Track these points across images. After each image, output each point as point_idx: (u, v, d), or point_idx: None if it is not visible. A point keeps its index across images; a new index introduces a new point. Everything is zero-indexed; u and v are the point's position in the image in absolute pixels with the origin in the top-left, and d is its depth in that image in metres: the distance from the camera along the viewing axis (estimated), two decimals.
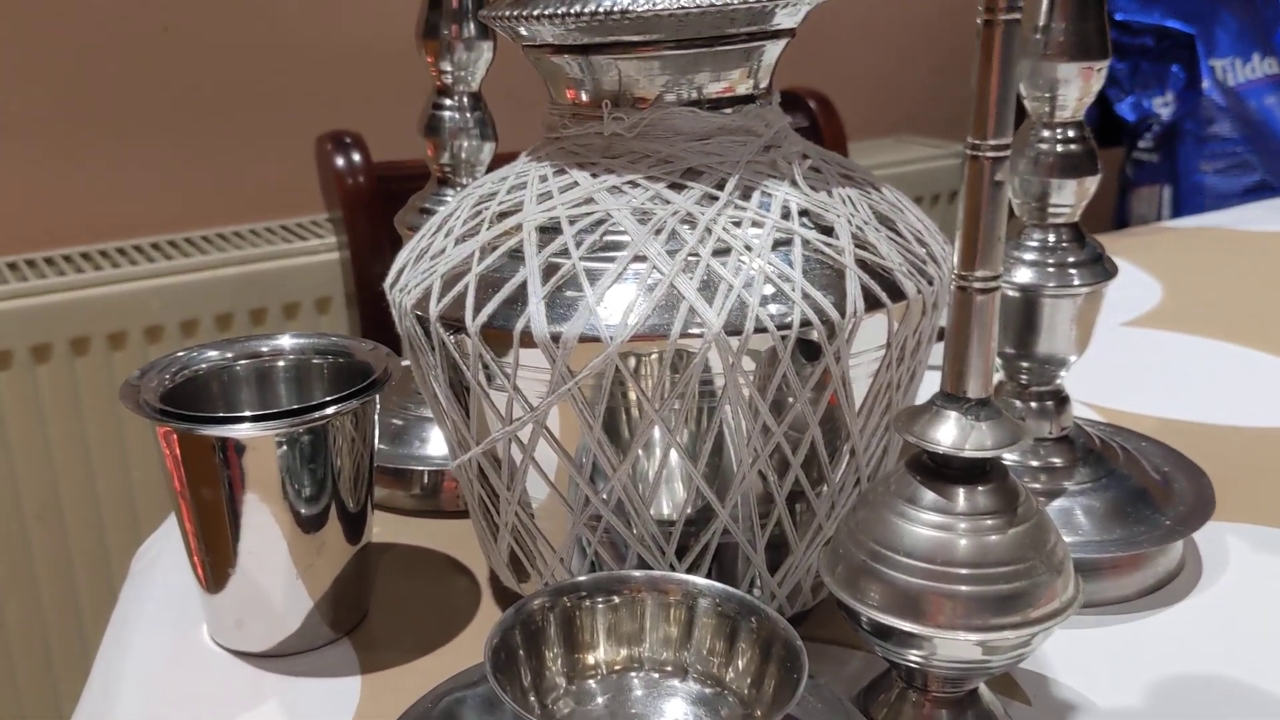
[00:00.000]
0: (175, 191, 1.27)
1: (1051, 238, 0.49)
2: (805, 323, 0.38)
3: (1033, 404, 0.51)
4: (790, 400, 0.39)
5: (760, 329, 0.37)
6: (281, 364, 0.48)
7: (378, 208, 1.04)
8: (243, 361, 0.48)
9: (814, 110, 1.26)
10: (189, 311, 1.15)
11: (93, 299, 1.11)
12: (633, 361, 0.38)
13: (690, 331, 0.37)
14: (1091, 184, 0.49)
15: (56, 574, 1.15)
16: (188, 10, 1.24)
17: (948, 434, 0.35)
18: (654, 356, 0.38)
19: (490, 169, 0.56)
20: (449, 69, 0.56)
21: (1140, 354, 0.78)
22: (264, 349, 0.48)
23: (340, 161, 1.03)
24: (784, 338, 0.38)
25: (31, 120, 1.19)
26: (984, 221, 0.34)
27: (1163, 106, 1.63)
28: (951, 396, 0.35)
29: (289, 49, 1.29)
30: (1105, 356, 0.75)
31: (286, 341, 0.48)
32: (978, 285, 0.34)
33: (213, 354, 0.47)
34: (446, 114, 0.57)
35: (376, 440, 0.47)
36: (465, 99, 0.57)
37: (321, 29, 1.30)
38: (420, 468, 0.57)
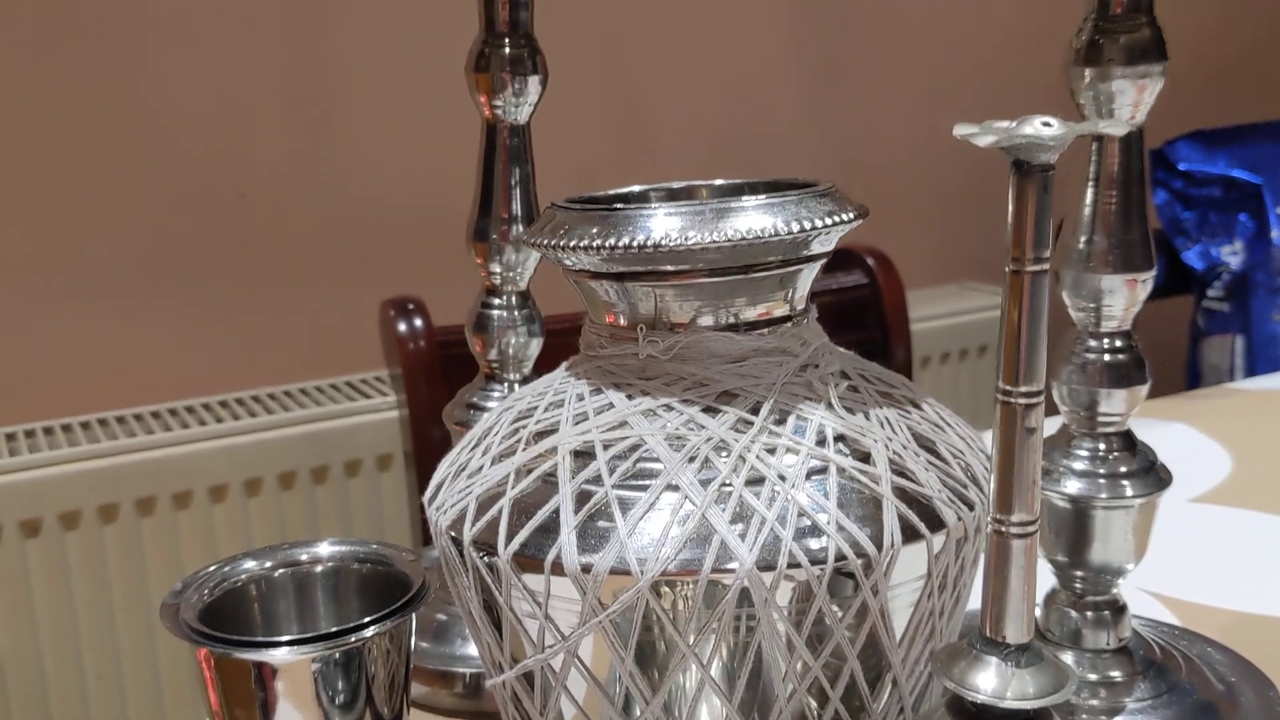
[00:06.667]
0: (236, 351, 1.30)
1: (1102, 447, 0.48)
2: (840, 557, 0.37)
3: (1089, 613, 0.50)
4: (828, 631, 0.38)
5: (794, 564, 0.37)
6: (320, 570, 0.48)
7: (438, 371, 1.05)
8: (281, 570, 0.48)
9: (872, 268, 1.27)
10: (253, 470, 1.17)
11: (158, 460, 1.13)
12: (666, 591, 0.38)
13: (723, 566, 0.37)
14: (1142, 392, 0.48)
15: None
16: (263, 177, 1.28)
17: (987, 681, 0.34)
18: (687, 588, 0.37)
19: (537, 367, 0.57)
20: (498, 270, 0.57)
21: (1209, 535, 0.76)
22: (303, 556, 0.48)
23: (403, 327, 1.05)
24: (819, 573, 0.37)
25: (105, 281, 1.23)
26: (1018, 466, 0.33)
27: (1231, 255, 1.61)
28: (991, 641, 0.34)
29: (357, 215, 1.33)
30: (1172, 537, 0.73)
31: (325, 549, 0.48)
32: (1014, 530, 0.33)
33: (251, 564, 0.47)
34: (495, 313, 0.58)
35: (415, 642, 0.47)
36: (513, 298, 0.58)
37: (388, 198, 1.34)
38: (462, 669, 0.56)
